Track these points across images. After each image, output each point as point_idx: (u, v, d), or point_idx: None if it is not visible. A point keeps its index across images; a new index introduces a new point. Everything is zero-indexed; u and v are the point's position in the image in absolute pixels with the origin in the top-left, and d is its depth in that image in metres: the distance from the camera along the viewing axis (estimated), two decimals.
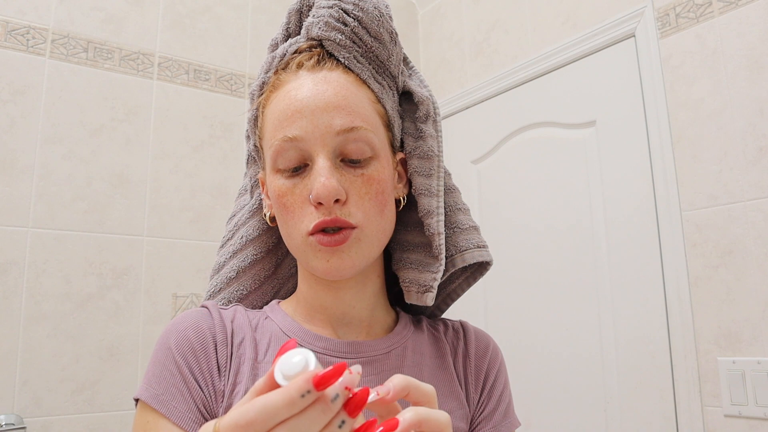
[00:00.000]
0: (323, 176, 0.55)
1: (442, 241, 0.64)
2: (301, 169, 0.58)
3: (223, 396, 0.56)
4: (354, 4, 0.61)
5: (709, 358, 1.35)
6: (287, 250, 0.72)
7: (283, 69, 0.62)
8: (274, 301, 0.67)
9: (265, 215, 0.66)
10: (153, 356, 0.59)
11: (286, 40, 0.67)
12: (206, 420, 0.55)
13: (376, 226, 0.59)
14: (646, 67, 1.54)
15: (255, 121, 0.64)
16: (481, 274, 0.71)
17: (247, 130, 0.70)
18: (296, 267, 0.72)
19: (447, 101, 2.19)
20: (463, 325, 0.71)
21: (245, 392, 0.56)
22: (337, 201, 0.56)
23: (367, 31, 0.61)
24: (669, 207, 1.46)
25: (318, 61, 0.60)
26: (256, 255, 0.69)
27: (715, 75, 1.39)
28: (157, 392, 0.55)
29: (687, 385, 1.37)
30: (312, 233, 0.57)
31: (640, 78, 1.56)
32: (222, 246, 0.71)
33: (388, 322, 0.67)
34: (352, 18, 0.61)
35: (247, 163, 0.71)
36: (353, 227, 0.57)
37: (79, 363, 1.47)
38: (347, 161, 0.58)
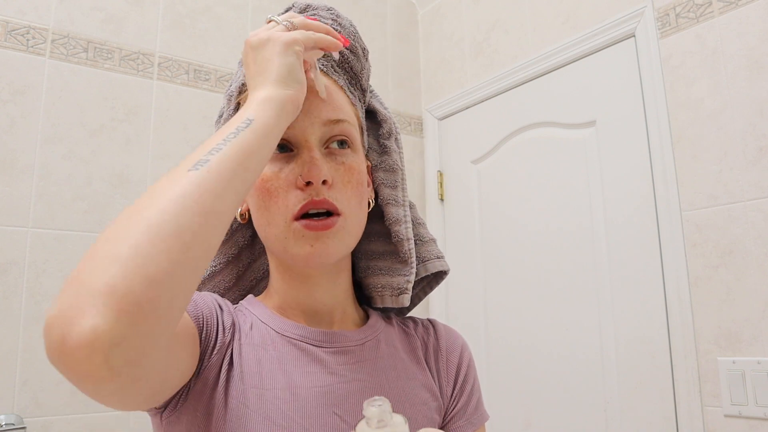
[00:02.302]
0: (313, 157, 0.58)
1: (412, 246, 0.69)
2: (287, 153, 0.60)
3: (213, 346, 0.56)
4: (333, 19, 0.66)
5: (709, 358, 1.35)
6: (250, 262, 0.72)
7: None
8: (249, 296, 0.68)
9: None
10: None
11: None
12: (200, 336, 0.55)
13: (356, 216, 0.62)
14: (646, 67, 1.54)
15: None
16: (437, 282, 0.76)
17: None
18: (260, 276, 0.73)
19: (447, 101, 2.19)
20: (432, 322, 0.74)
21: (231, 367, 0.56)
22: (324, 183, 0.58)
23: None
24: (669, 207, 1.46)
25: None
26: (214, 267, 0.68)
27: (715, 75, 1.39)
28: None
29: (687, 385, 1.37)
30: (297, 218, 0.58)
31: (640, 78, 1.56)
32: None
33: (357, 318, 0.69)
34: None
35: None
36: (339, 214, 0.59)
37: None
38: (330, 149, 0.61)
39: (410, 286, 0.68)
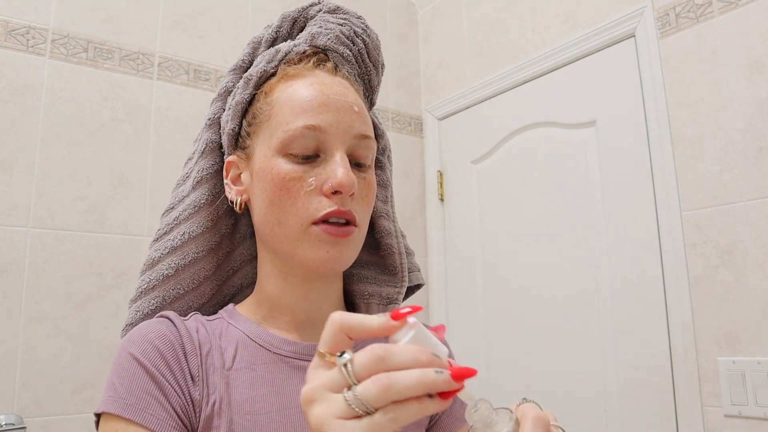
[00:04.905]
0: (345, 168, 0.57)
1: (404, 260, 0.71)
2: (312, 158, 0.59)
3: (200, 406, 0.54)
4: (363, 29, 0.66)
5: (709, 358, 1.35)
6: (229, 251, 0.70)
7: (294, 63, 0.64)
8: (230, 306, 0.65)
9: (232, 202, 0.64)
10: (115, 368, 0.55)
11: (273, 42, 0.69)
12: (186, 427, 0.53)
13: (364, 230, 0.63)
14: (646, 67, 1.54)
15: (247, 104, 0.64)
16: (413, 292, 0.77)
17: (210, 119, 0.68)
18: (236, 267, 0.71)
19: (447, 101, 2.19)
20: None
21: (220, 402, 0.54)
22: (351, 195, 0.58)
23: (369, 56, 0.66)
24: (669, 207, 1.46)
25: (335, 67, 0.64)
26: (197, 253, 0.65)
27: (715, 75, 1.39)
28: (128, 402, 0.52)
29: (687, 385, 1.37)
30: (316, 222, 0.57)
31: (640, 78, 1.56)
32: (156, 240, 0.67)
33: None
34: (360, 40, 0.65)
35: (203, 153, 0.67)
36: (356, 225, 0.59)
37: (79, 363, 1.47)
38: (354, 164, 0.61)
39: (401, 297, 0.70)
